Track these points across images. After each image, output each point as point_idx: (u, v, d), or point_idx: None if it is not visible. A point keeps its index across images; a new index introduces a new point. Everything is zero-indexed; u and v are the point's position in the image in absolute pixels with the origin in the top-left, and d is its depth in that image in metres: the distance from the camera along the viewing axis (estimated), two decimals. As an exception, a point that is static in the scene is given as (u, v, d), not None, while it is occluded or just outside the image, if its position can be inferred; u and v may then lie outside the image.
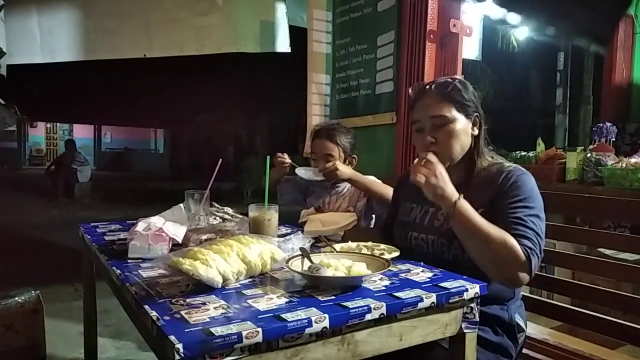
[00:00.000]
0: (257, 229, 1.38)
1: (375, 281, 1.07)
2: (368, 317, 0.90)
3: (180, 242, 1.32)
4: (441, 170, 1.20)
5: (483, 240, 1.16)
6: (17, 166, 18.01)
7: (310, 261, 1.12)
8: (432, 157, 1.22)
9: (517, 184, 1.24)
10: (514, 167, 1.30)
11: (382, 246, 1.34)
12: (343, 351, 0.89)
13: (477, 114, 1.33)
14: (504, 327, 1.29)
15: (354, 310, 0.89)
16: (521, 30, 4.22)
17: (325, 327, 0.85)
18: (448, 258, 1.28)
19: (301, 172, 1.86)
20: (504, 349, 1.27)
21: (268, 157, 1.61)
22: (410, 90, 1.41)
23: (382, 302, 0.92)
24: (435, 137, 1.30)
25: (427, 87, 1.34)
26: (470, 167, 1.33)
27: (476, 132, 1.33)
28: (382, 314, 0.92)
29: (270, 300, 0.93)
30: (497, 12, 3.15)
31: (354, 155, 1.98)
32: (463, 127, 1.30)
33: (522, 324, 1.33)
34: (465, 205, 1.18)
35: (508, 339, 1.29)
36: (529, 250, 1.15)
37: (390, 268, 1.10)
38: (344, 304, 0.91)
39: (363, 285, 1.03)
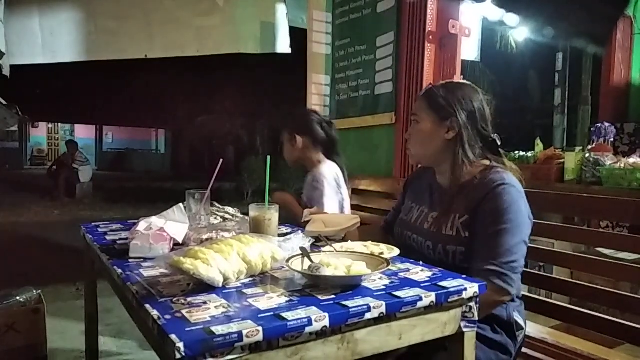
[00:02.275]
0: (257, 228, 1.39)
1: (375, 280, 1.07)
2: (368, 316, 0.91)
3: (181, 241, 1.33)
4: None
5: None
6: (19, 166, 18.01)
7: (310, 260, 1.13)
8: None
9: (496, 199, 1.23)
10: (497, 177, 1.27)
11: (382, 245, 1.35)
12: (343, 350, 0.90)
13: (454, 118, 1.31)
14: (503, 325, 1.30)
15: (353, 309, 0.89)
16: (520, 31, 4.23)
17: (325, 326, 0.85)
18: (435, 260, 1.31)
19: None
20: (503, 347, 1.29)
21: (269, 157, 1.62)
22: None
23: (381, 301, 0.93)
24: (410, 134, 1.41)
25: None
26: (457, 174, 1.32)
27: (450, 136, 1.32)
28: (382, 313, 0.92)
29: (270, 300, 0.94)
30: (496, 13, 3.16)
31: (297, 135, 2.05)
32: (430, 128, 1.34)
33: (521, 322, 1.34)
34: None
35: (507, 336, 1.30)
36: (496, 281, 1.18)
37: (389, 267, 1.11)
38: (343, 303, 0.92)
39: (363, 284, 1.04)
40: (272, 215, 1.41)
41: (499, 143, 1.38)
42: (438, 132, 1.33)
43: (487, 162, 1.35)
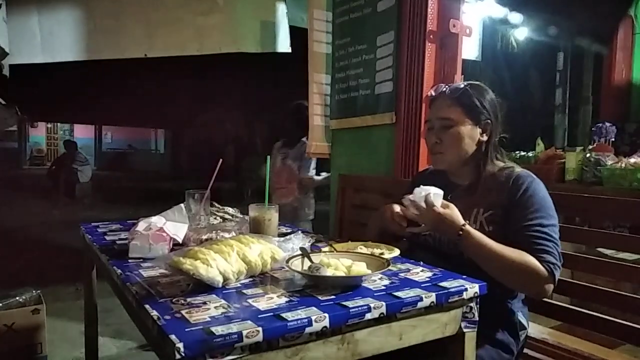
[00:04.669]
0: (257, 228, 1.38)
1: (375, 281, 1.07)
2: (368, 316, 0.91)
3: (180, 241, 1.32)
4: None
5: (501, 264, 1.19)
6: (18, 166, 18.01)
7: (310, 261, 1.13)
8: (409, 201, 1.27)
9: (529, 192, 1.26)
10: (524, 173, 1.32)
11: (382, 246, 1.35)
12: (343, 350, 0.90)
13: (488, 120, 1.35)
14: (506, 323, 1.31)
15: (353, 310, 0.89)
16: (521, 31, 4.24)
17: (325, 327, 0.85)
18: (455, 253, 1.30)
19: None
20: (506, 345, 1.29)
21: (268, 157, 1.62)
22: (429, 91, 1.46)
23: (381, 302, 0.93)
24: (440, 138, 1.36)
25: (443, 89, 1.39)
26: (478, 172, 1.36)
27: (485, 138, 1.36)
28: (382, 313, 0.92)
29: (270, 300, 0.94)
30: (497, 13, 3.16)
31: None
32: (469, 131, 1.34)
33: (524, 322, 1.35)
34: (472, 232, 1.21)
35: (510, 335, 1.31)
36: (551, 266, 1.19)
37: (389, 268, 1.11)
38: (343, 303, 0.92)
39: (363, 284, 1.04)
40: (272, 215, 1.40)
41: (505, 142, 1.42)
42: (475, 134, 1.35)
43: (501, 162, 1.38)
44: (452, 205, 1.25)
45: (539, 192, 1.27)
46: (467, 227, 1.22)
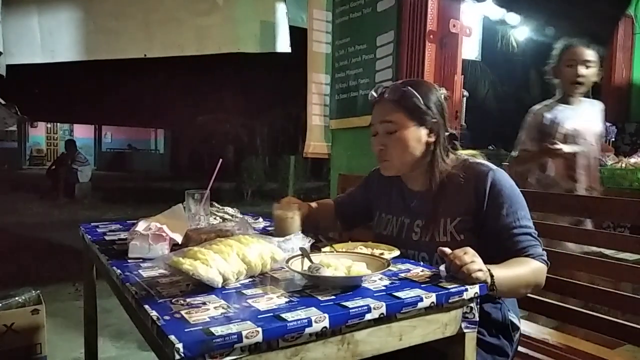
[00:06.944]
0: (280, 226, 1.42)
1: (375, 281, 1.07)
2: (368, 316, 0.90)
3: (180, 242, 1.32)
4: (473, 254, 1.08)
5: (523, 285, 1.19)
6: (18, 166, 18.02)
7: (310, 261, 1.12)
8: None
9: (496, 188, 1.22)
10: (482, 167, 1.26)
11: (382, 246, 1.34)
12: (343, 351, 0.89)
13: (434, 120, 1.29)
14: (499, 326, 1.29)
15: (353, 310, 0.89)
16: (521, 31, 4.23)
17: (325, 327, 0.85)
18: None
19: None
20: (500, 349, 1.28)
21: (292, 157, 1.61)
22: (371, 93, 1.40)
23: (381, 302, 0.92)
24: (384, 144, 1.32)
25: (383, 91, 1.33)
26: (432, 174, 1.30)
27: (433, 138, 1.30)
28: (382, 313, 0.92)
29: (270, 300, 0.93)
30: (497, 13, 3.16)
31: None
32: (413, 134, 1.28)
33: (516, 321, 1.33)
34: (500, 274, 1.10)
35: (503, 338, 1.29)
36: (544, 257, 1.20)
37: (390, 268, 1.10)
38: (343, 303, 0.91)
39: (363, 285, 1.03)
40: (295, 213, 1.43)
41: (457, 137, 1.37)
42: (420, 137, 1.29)
43: (453, 157, 1.33)
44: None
45: (505, 184, 1.23)
46: (492, 268, 1.10)
